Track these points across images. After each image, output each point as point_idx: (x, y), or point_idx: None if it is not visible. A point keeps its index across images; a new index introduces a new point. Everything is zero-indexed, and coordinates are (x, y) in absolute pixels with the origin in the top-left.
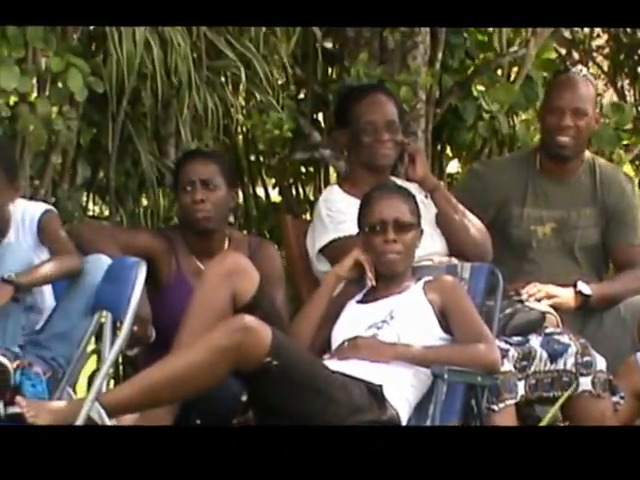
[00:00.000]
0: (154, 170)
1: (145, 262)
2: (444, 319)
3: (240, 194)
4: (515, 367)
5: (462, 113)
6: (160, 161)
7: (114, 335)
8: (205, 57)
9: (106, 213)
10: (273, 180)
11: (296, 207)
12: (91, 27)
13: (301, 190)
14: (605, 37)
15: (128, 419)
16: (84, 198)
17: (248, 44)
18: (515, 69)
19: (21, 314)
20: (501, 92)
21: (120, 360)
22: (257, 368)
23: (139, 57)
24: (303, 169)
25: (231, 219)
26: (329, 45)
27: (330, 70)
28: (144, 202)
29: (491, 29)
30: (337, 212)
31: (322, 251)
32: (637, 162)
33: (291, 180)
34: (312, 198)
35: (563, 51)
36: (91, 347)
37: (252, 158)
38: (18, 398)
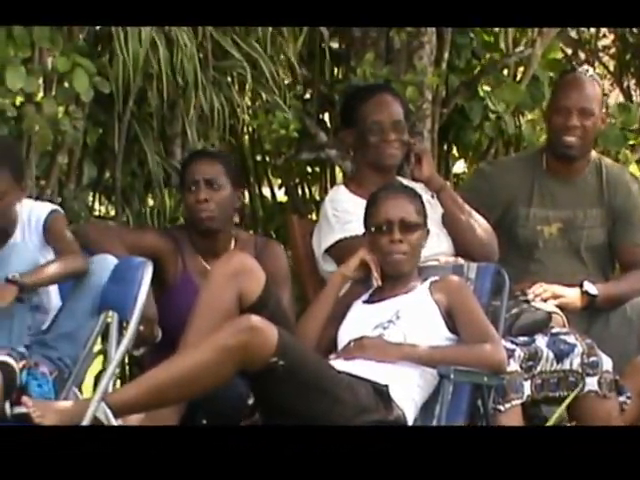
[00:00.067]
0: (160, 170)
1: (151, 262)
2: (450, 319)
3: (246, 194)
4: (521, 367)
5: (468, 113)
6: (166, 161)
7: (120, 335)
8: (211, 57)
9: (112, 213)
10: (279, 180)
11: (302, 207)
12: (97, 27)
13: (307, 190)
14: (611, 37)
15: (134, 419)
16: (90, 198)
17: (254, 44)
18: (521, 69)
19: (27, 314)
20: (507, 92)
21: (126, 360)
22: (263, 368)
23: (145, 57)
24: (309, 169)
25: (237, 219)
26: (335, 45)
27: (336, 70)
28: (150, 202)
29: (497, 29)
30: (343, 212)
31: (328, 251)
32: None
33: (297, 180)
34: (318, 198)
35: (569, 51)
36: (97, 347)
37: (258, 158)
38: (24, 398)
